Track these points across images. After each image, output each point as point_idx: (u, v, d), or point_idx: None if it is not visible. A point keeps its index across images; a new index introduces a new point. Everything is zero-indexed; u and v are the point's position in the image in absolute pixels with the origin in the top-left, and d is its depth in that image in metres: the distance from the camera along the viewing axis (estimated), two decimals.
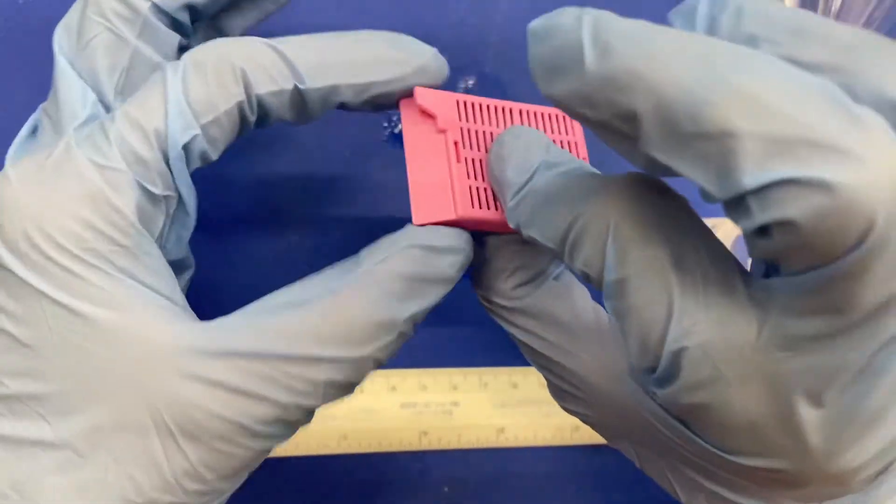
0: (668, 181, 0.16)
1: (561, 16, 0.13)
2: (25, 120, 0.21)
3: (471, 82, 0.30)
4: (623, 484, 0.32)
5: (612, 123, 0.13)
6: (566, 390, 0.20)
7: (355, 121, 0.24)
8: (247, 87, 0.19)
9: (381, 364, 0.19)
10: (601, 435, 0.20)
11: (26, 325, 0.17)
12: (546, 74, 0.14)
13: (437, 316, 0.30)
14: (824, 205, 0.11)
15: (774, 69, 0.12)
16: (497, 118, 0.21)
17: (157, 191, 0.18)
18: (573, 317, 0.20)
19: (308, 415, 0.19)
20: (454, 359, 0.30)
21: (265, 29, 0.20)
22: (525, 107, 0.21)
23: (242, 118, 0.19)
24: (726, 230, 0.30)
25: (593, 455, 0.32)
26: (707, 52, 0.12)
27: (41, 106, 0.21)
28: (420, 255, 0.19)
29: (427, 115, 0.20)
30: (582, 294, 0.21)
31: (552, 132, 0.21)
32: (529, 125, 0.21)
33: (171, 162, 0.18)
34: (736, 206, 0.13)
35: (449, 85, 0.29)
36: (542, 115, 0.21)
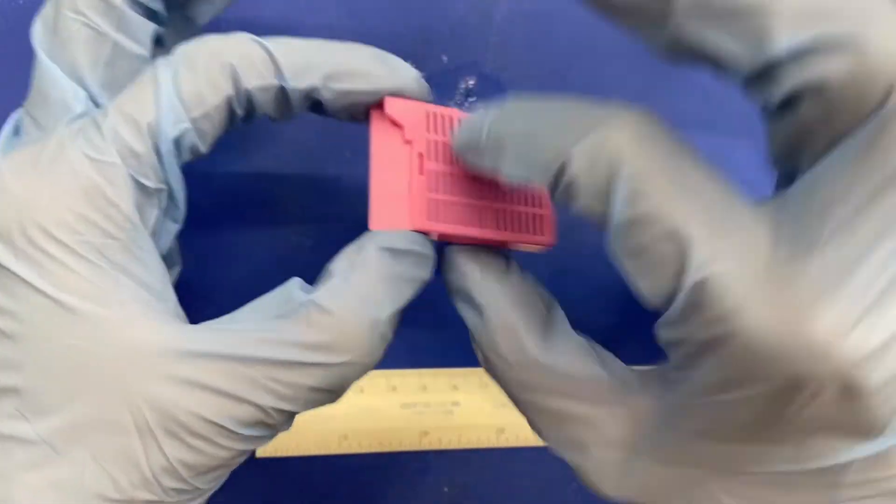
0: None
1: None
2: None
3: (471, 83, 0.30)
4: None
5: (643, 1, 0.14)
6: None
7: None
8: (236, 82, 0.19)
9: (366, 370, 0.19)
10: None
11: (12, 318, 0.17)
12: None
13: (437, 316, 0.30)
14: (854, 63, 0.13)
15: None
16: None
17: (150, 184, 0.19)
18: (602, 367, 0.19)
19: (289, 419, 0.19)
20: (455, 359, 0.30)
21: (259, 28, 0.20)
22: None
23: (231, 112, 0.20)
24: None
25: None
26: None
27: (23, 106, 0.21)
28: (388, 257, 0.19)
29: (395, 124, 0.20)
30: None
31: None
32: None
33: (162, 155, 0.19)
34: (763, 78, 0.14)
35: (449, 85, 0.29)
36: None
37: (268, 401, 0.18)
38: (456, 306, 0.21)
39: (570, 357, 0.19)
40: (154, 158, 0.19)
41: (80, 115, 0.19)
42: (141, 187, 0.18)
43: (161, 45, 0.22)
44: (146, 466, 0.17)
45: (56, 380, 0.17)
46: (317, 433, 0.29)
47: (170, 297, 0.19)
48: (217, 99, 0.19)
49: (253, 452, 0.29)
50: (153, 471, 0.17)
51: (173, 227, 0.20)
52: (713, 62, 0.15)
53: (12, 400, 0.17)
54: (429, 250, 0.20)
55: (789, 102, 0.13)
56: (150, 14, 0.21)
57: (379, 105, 0.20)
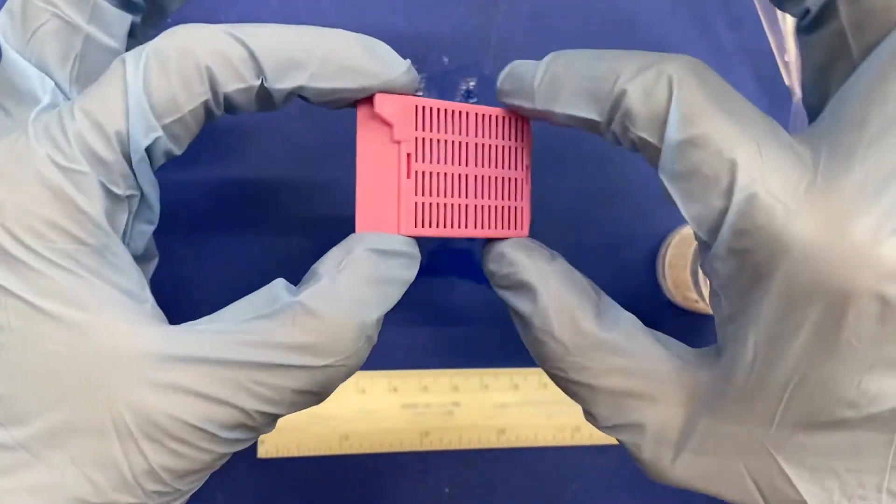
0: None
1: None
2: None
3: (472, 83, 0.30)
4: (624, 484, 0.32)
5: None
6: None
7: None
8: (213, 85, 0.18)
9: (351, 372, 0.19)
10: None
11: None
12: None
13: (438, 317, 0.30)
14: None
15: None
16: (459, 124, 0.21)
17: (120, 191, 0.18)
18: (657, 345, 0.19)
19: (272, 421, 0.19)
20: (455, 360, 0.30)
21: (247, 16, 0.20)
22: (487, 110, 0.21)
23: (208, 113, 0.19)
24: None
25: (594, 456, 0.32)
26: None
27: None
28: (377, 259, 0.19)
29: (385, 122, 0.19)
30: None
31: (502, 137, 0.21)
32: (490, 129, 0.21)
33: (133, 164, 0.18)
34: None
35: (450, 86, 0.29)
36: (496, 117, 0.21)
37: (251, 404, 0.17)
38: (504, 298, 0.21)
39: (627, 335, 0.19)
40: (124, 166, 0.18)
41: (47, 108, 0.18)
42: (110, 194, 0.18)
43: (133, 37, 0.21)
44: (127, 469, 0.17)
45: (35, 385, 0.17)
46: (318, 434, 0.29)
47: (147, 299, 0.18)
48: (192, 104, 0.18)
49: (254, 452, 0.29)
50: (134, 474, 0.17)
51: (147, 228, 0.20)
52: None
53: None
54: (416, 251, 0.20)
55: (823, 17, 0.14)
56: (126, 4, 0.20)
57: (366, 99, 0.19)
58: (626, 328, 0.19)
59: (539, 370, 0.30)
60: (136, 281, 0.18)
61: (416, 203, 0.20)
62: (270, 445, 0.29)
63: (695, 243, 0.30)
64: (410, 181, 0.19)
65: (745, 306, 0.17)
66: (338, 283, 0.18)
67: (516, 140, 0.22)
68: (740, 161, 0.16)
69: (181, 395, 0.17)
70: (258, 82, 0.18)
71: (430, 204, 0.20)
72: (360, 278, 0.18)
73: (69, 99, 0.19)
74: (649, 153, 0.17)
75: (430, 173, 0.20)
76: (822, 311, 0.15)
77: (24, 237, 0.17)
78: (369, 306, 0.18)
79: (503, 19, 0.30)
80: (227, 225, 0.28)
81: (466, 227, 0.21)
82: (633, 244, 0.31)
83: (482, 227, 0.21)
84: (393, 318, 0.20)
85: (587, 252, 0.27)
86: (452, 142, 0.20)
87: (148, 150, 0.18)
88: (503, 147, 0.21)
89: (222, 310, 0.19)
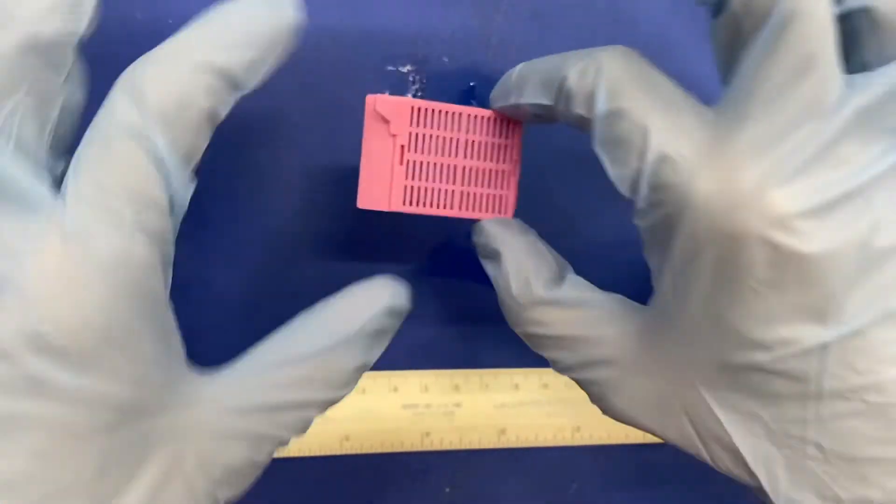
0: None
1: None
2: None
3: (472, 84, 0.30)
4: (625, 484, 0.32)
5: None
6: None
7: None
8: (214, 121, 0.18)
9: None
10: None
11: None
12: None
13: (438, 317, 0.30)
14: None
15: None
16: (451, 123, 0.24)
17: (169, 256, 0.18)
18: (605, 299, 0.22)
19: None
20: (455, 360, 0.30)
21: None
22: (479, 111, 0.24)
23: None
24: None
25: (595, 456, 0.32)
26: None
27: None
28: (383, 318, 0.21)
29: (384, 119, 0.23)
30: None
31: (493, 135, 0.25)
32: (479, 128, 0.24)
33: (173, 212, 0.18)
34: None
35: (450, 86, 0.29)
36: (486, 118, 0.24)
37: (288, 434, 0.20)
38: (484, 267, 0.24)
39: (576, 292, 0.22)
40: (172, 235, 0.18)
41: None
42: (165, 266, 0.18)
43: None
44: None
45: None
46: (318, 434, 0.29)
47: (182, 351, 0.20)
48: (205, 142, 0.18)
49: None
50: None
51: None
52: None
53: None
54: (409, 303, 0.22)
55: (723, 3, 0.17)
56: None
57: (373, 97, 0.23)
58: (576, 287, 0.22)
59: (539, 370, 0.30)
60: (176, 341, 0.19)
61: (405, 186, 0.23)
62: None
63: None
64: (402, 168, 0.23)
65: (665, 258, 0.19)
66: (351, 337, 0.21)
67: (506, 138, 0.25)
68: (652, 127, 0.18)
69: (240, 440, 0.19)
70: (240, 95, 0.18)
71: (419, 188, 0.24)
72: (369, 333, 0.21)
73: (49, 169, 0.18)
74: (585, 127, 0.20)
75: (421, 162, 0.24)
76: (718, 255, 0.17)
77: (87, 319, 0.17)
78: (372, 350, 0.21)
79: (503, 20, 0.30)
80: (227, 218, 0.28)
81: (452, 208, 0.24)
82: (633, 244, 0.31)
83: (468, 210, 0.24)
84: None
85: (587, 252, 0.27)
86: (444, 137, 0.24)
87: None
88: (493, 144, 0.25)
89: (255, 353, 0.21)
